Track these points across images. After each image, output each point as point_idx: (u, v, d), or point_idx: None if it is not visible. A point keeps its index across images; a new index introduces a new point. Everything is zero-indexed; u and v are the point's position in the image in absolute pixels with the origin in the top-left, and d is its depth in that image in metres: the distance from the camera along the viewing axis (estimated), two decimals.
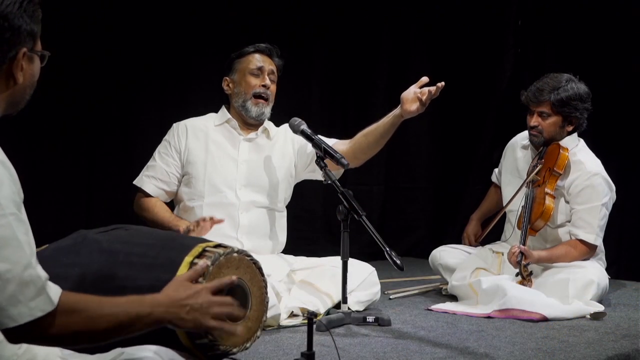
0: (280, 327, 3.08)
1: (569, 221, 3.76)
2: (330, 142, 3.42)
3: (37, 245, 1.57)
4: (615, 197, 3.82)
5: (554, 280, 3.54)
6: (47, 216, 4.12)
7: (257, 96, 3.47)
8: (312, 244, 5.02)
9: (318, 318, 3.04)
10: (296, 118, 3.40)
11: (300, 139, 3.46)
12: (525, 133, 3.92)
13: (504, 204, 3.96)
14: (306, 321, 2.21)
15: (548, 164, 3.73)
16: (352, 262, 3.22)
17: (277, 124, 3.60)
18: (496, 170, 4.22)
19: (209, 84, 4.49)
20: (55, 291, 1.51)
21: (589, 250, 3.70)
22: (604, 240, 3.80)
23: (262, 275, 2.01)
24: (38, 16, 1.62)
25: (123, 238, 2.04)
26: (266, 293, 2.01)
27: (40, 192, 4.14)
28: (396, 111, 3.40)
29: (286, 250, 3.59)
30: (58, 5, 3.83)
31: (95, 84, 4.40)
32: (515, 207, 3.84)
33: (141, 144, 4.19)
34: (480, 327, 3.17)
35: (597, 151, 3.88)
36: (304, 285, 3.32)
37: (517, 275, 3.55)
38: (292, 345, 2.79)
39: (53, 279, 1.53)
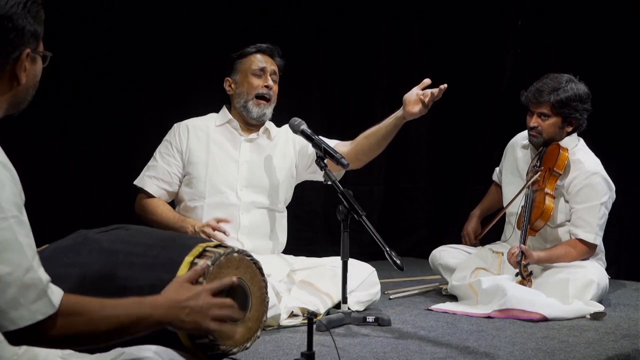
0: (280, 327, 3.08)
1: (569, 221, 3.76)
2: (332, 143, 3.42)
3: (37, 245, 1.57)
4: (614, 196, 3.81)
5: (554, 280, 3.54)
6: (47, 216, 4.12)
7: (260, 97, 3.47)
8: (312, 244, 5.02)
9: (318, 318, 3.04)
10: (296, 118, 3.40)
11: (301, 140, 3.45)
12: (526, 133, 3.92)
13: (504, 204, 3.96)
14: (306, 321, 2.21)
15: (548, 164, 3.73)
16: (352, 262, 3.22)
17: (278, 124, 3.60)
18: (497, 169, 4.22)
19: (210, 84, 4.50)
20: (56, 294, 1.50)
21: (588, 250, 3.70)
22: (604, 240, 3.80)
23: (263, 275, 2.01)
24: (41, 17, 1.62)
25: (123, 238, 2.04)
26: (266, 293, 2.01)
27: (40, 192, 4.15)
28: (398, 113, 3.40)
29: (286, 251, 3.59)
30: (58, 5, 3.83)
31: (96, 84, 4.41)
32: (515, 209, 3.84)
33: (141, 144, 4.19)
34: (480, 327, 3.17)
35: (596, 151, 3.88)
36: (304, 285, 3.32)
37: (517, 275, 3.56)
38: (292, 345, 2.79)
39: (53, 279, 1.52)
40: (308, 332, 2.17)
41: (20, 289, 1.45)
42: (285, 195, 3.56)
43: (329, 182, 3.20)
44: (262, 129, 3.54)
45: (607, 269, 3.82)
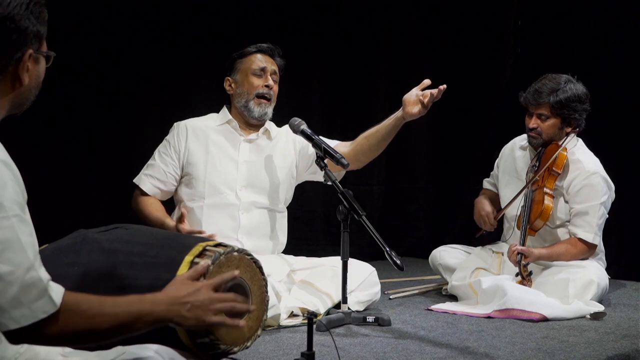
0: (280, 327, 3.08)
1: (569, 221, 3.76)
2: (332, 144, 3.42)
3: (38, 245, 1.57)
4: (614, 196, 3.82)
5: (554, 280, 3.55)
6: (47, 216, 4.11)
7: (260, 96, 3.47)
8: (312, 244, 5.02)
9: (318, 318, 3.04)
10: (296, 118, 3.40)
11: (301, 140, 3.45)
12: (523, 136, 3.92)
13: (502, 206, 3.95)
14: (306, 321, 2.21)
15: (547, 163, 3.73)
16: (352, 262, 3.22)
17: (278, 124, 3.60)
18: (486, 180, 4.18)
19: (210, 84, 4.49)
20: (57, 292, 1.51)
21: (588, 249, 3.70)
22: (604, 240, 3.80)
23: (263, 274, 2.01)
24: (44, 17, 1.61)
25: (123, 237, 2.04)
26: (266, 292, 2.01)
27: (40, 192, 4.14)
28: (398, 113, 3.40)
29: (286, 250, 3.60)
30: (58, 5, 3.83)
31: (96, 84, 4.41)
32: (514, 210, 3.84)
33: (141, 144, 4.19)
34: (480, 327, 3.18)
35: (596, 151, 3.88)
36: (304, 285, 3.32)
37: (517, 275, 3.56)
38: (292, 345, 2.79)
39: (53, 278, 1.52)
40: (308, 332, 2.17)
41: (22, 287, 1.46)
42: (286, 195, 3.56)
43: (329, 183, 3.20)
44: (262, 129, 3.54)
45: (607, 269, 3.82)
